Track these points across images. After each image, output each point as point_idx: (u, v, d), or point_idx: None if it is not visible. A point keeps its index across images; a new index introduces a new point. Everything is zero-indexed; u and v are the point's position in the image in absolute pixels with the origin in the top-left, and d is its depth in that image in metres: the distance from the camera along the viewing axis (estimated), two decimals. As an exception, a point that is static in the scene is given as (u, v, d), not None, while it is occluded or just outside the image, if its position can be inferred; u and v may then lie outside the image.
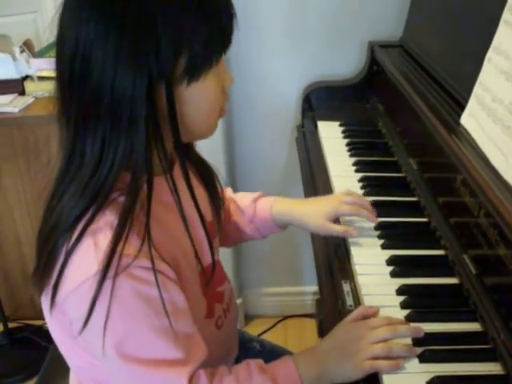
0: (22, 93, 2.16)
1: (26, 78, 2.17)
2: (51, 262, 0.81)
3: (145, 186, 0.81)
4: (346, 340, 0.93)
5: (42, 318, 0.90)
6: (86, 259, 0.78)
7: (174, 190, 0.84)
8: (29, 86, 2.14)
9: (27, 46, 2.24)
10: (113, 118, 0.78)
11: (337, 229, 1.17)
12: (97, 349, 0.80)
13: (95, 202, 0.79)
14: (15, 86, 2.15)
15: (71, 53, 0.78)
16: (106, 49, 0.76)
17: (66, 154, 0.83)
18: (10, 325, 2.33)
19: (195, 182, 1.03)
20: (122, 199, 0.81)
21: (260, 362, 0.93)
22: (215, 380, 0.87)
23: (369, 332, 0.92)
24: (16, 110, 2.03)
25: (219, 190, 1.12)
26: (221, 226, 1.14)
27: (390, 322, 0.95)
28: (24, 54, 2.20)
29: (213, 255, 1.00)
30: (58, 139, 0.85)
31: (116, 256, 0.76)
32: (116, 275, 0.76)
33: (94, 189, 0.79)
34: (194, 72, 0.81)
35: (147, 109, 0.78)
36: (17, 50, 2.18)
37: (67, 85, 0.81)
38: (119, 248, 0.77)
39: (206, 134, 0.93)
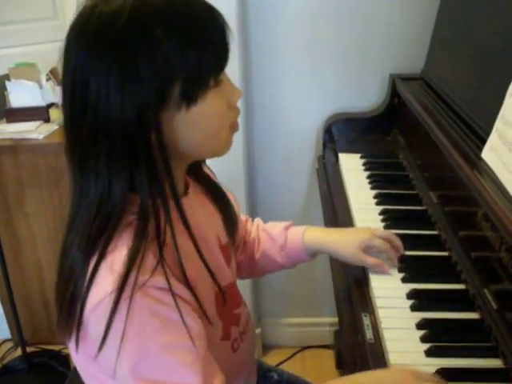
0: (47, 120, 2.20)
1: (51, 105, 2.21)
2: (74, 306, 0.81)
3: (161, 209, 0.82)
4: (389, 380, 0.88)
5: (59, 342, 0.90)
6: (103, 280, 0.78)
7: (182, 217, 0.85)
8: (53, 113, 2.19)
9: (53, 74, 2.29)
10: (110, 154, 0.79)
11: (370, 261, 1.17)
12: (113, 369, 0.79)
13: (102, 238, 0.80)
14: (41, 114, 2.19)
15: (71, 89, 0.79)
16: (98, 84, 0.76)
17: (75, 194, 0.84)
18: (28, 349, 2.33)
19: (202, 198, 1.04)
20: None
21: None
22: None
23: (415, 381, 0.86)
24: (41, 136, 2.07)
25: (233, 211, 1.12)
26: (235, 248, 1.15)
27: (438, 381, 0.89)
28: (50, 81, 2.24)
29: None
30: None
31: (132, 277, 0.76)
32: (132, 295, 0.76)
33: (101, 225, 0.80)
34: (190, 96, 0.80)
35: (142, 140, 0.78)
36: (43, 78, 2.22)
37: (69, 120, 0.82)
38: (135, 269, 0.77)
39: (220, 151, 0.92)
